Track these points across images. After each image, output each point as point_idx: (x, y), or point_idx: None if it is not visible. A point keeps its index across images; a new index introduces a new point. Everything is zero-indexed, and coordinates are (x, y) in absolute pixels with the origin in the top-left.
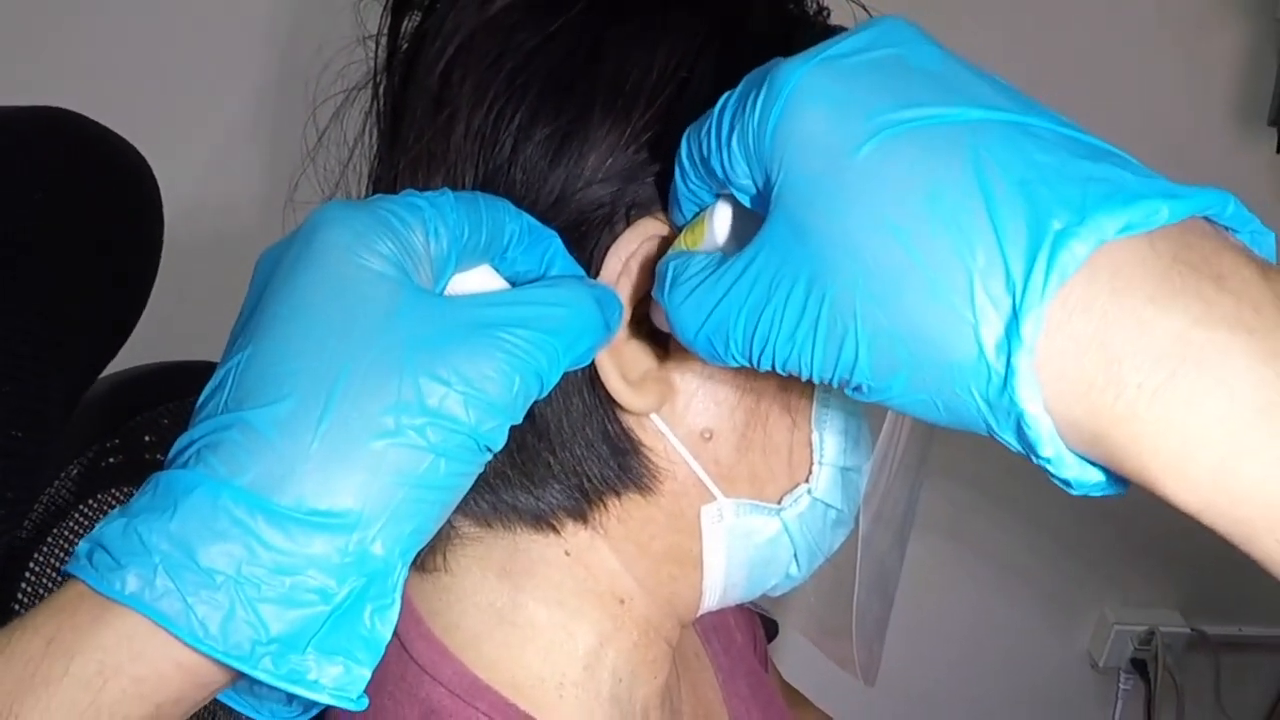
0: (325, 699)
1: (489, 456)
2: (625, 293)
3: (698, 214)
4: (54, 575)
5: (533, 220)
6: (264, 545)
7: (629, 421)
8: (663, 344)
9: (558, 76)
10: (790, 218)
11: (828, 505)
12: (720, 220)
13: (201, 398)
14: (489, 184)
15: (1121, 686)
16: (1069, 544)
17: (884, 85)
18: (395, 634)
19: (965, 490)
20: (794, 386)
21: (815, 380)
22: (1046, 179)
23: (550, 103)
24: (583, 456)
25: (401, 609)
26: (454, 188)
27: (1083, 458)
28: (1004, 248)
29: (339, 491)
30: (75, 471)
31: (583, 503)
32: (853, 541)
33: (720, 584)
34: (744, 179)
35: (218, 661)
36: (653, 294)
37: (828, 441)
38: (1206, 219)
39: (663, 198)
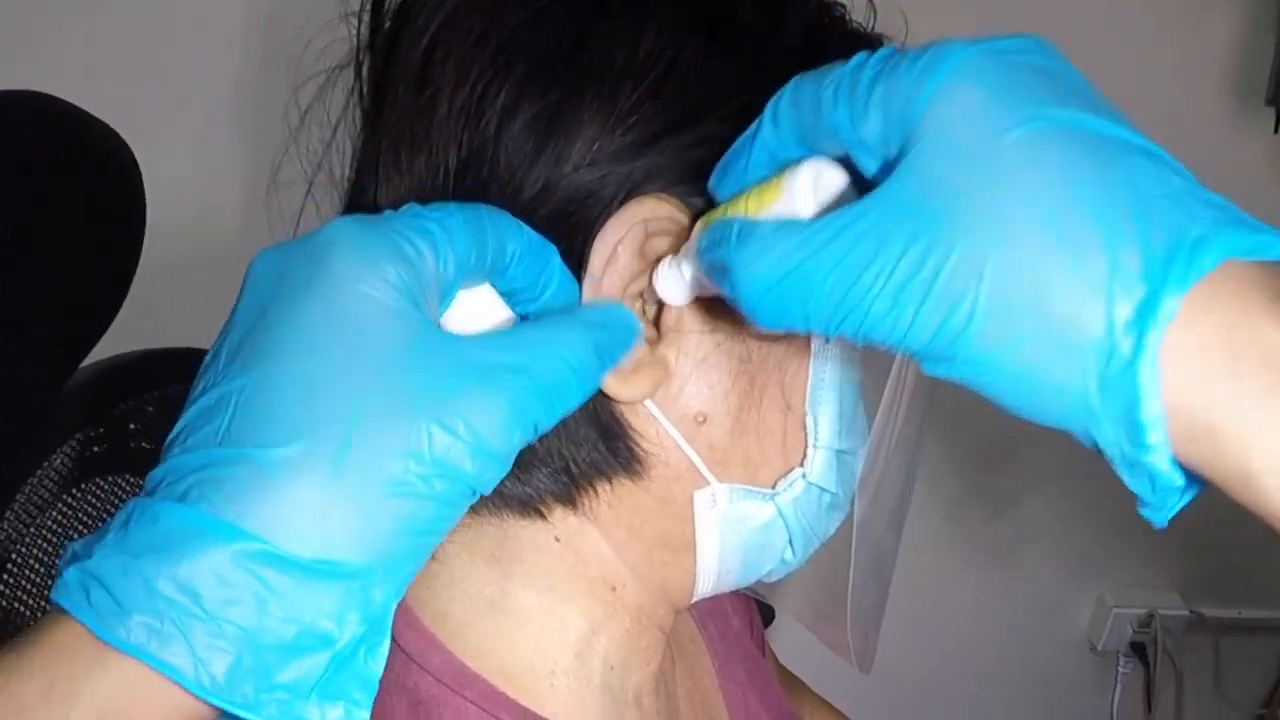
0: None
1: (476, 499)
2: (613, 282)
3: (768, 177)
4: (37, 567)
5: (534, 236)
6: (272, 593)
7: (619, 405)
8: (655, 326)
9: (544, 55)
10: (928, 176)
11: (822, 489)
12: (804, 183)
13: (192, 415)
14: (472, 165)
15: (1120, 670)
16: (1067, 526)
17: (1039, 85)
18: None
19: (963, 473)
20: (789, 368)
21: (898, 349)
22: (1180, 198)
23: (536, 82)
24: (570, 441)
25: None
26: (436, 169)
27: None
28: (1147, 243)
29: (346, 540)
30: (59, 461)
31: (571, 488)
32: (848, 526)
33: (714, 570)
34: (873, 134)
35: (221, 709)
36: (683, 262)
37: (822, 424)
38: None
39: (651, 180)
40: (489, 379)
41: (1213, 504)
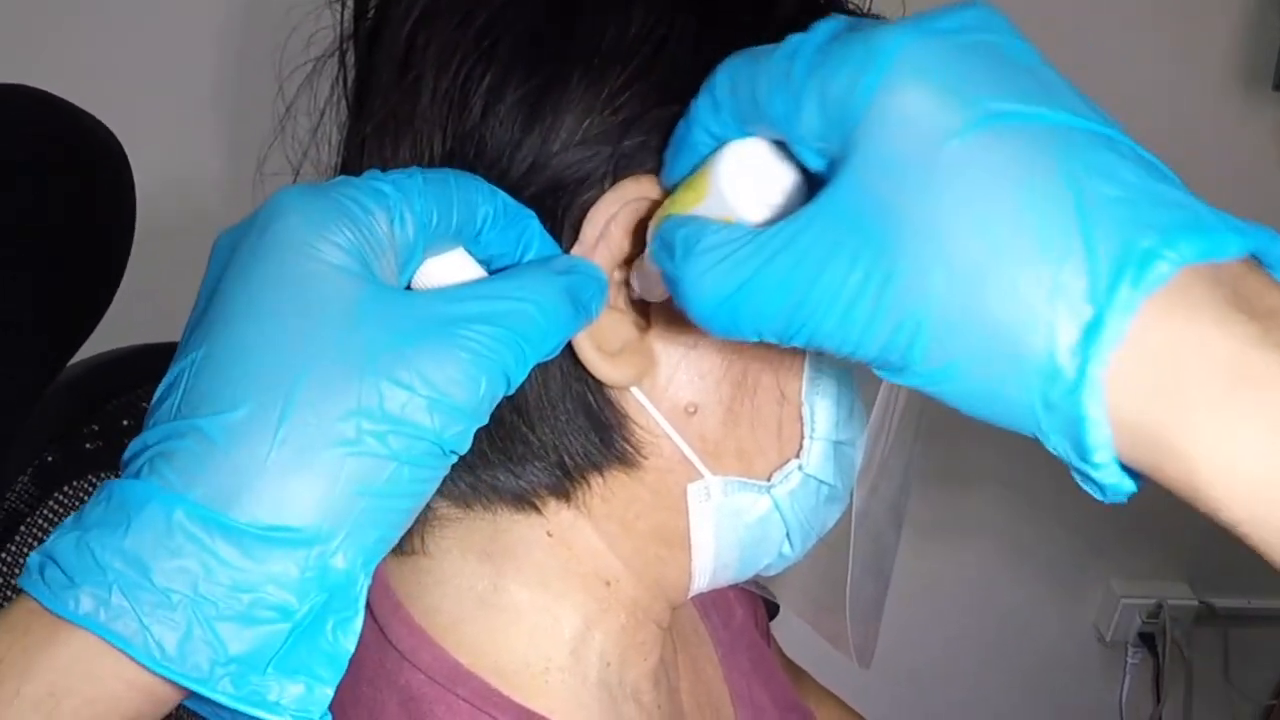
0: None
1: (453, 460)
2: (604, 260)
3: (696, 167)
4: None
5: (508, 200)
6: (220, 562)
7: (611, 394)
8: (644, 313)
9: (529, 37)
10: (868, 191)
11: (820, 481)
12: (728, 173)
13: (156, 396)
14: (458, 150)
15: (1129, 661)
16: (1074, 516)
17: (983, 72)
18: (374, 619)
19: (968, 463)
20: (783, 358)
21: (853, 359)
22: (1133, 199)
23: (522, 64)
24: (563, 431)
25: (379, 593)
26: (421, 155)
27: (1120, 466)
28: (1092, 259)
29: (297, 505)
30: (50, 458)
31: (564, 480)
32: (847, 519)
33: (710, 565)
34: (812, 131)
35: (174, 682)
36: (649, 262)
37: (819, 414)
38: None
39: (644, 159)
40: (445, 330)
41: None
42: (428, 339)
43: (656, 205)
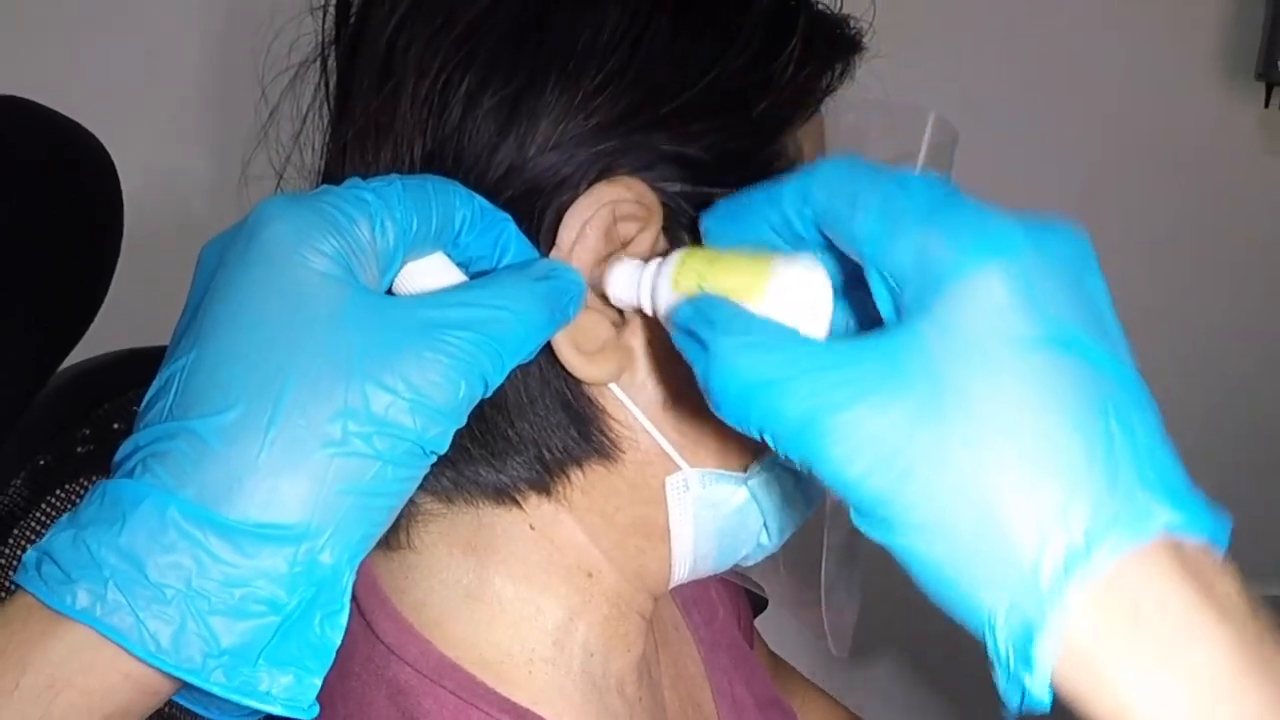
0: (277, 710)
1: (434, 459)
2: (581, 261)
3: (756, 255)
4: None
5: (485, 203)
6: (213, 558)
7: (589, 389)
8: (620, 311)
9: (506, 40)
10: (928, 355)
11: (797, 472)
12: (788, 302)
13: (146, 399)
14: (438, 154)
15: None
16: None
17: (1067, 298)
18: (361, 613)
19: None
20: None
21: (834, 493)
22: (1142, 458)
23: (499, 68)
24: (541, 427)
25: (367, 587)
26: (401, 159)
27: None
28: (1099, 497)
29: (286, 503)
30: (43, 462)
31: (544, 475)
32: (822, 508)
33: (689, 555)
34: (896, 268)
35: (168, 674)
36: (673, 317)
37: None
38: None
39: (620, 161)
40: (427, 334)
41: (1211, 480)
42: (410, 343)
43: (633, 208)
